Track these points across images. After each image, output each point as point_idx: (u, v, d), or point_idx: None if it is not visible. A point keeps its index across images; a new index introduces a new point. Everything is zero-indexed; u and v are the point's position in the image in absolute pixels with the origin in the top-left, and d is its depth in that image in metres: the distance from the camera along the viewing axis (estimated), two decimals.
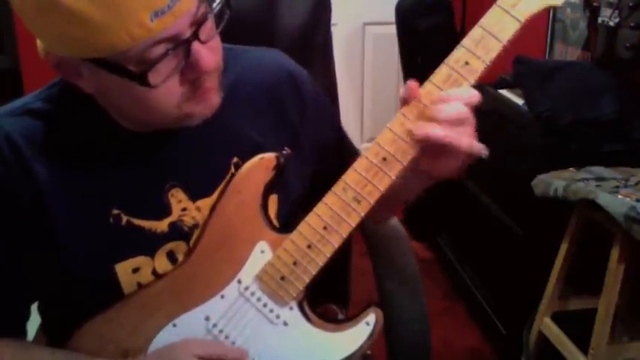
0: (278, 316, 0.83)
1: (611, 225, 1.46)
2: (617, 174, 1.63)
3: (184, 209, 0.84)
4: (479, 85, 0.75)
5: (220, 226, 0.84)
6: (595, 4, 1.86)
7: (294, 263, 0.81)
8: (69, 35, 0.66)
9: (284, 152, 0.87)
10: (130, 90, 0.71)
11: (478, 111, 0.76)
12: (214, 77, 0.76)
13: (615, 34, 1.78)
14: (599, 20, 1.84)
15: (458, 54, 0.75)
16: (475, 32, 0.74)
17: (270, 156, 0.84)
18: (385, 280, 1.08)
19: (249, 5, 1.22)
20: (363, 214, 0.78)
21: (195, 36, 0.71)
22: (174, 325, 0.83)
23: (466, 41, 0.74)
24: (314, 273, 0.81)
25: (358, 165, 0.78)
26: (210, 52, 0.73)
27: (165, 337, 0.82)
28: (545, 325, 1.77)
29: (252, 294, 0.83)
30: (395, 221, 1.15)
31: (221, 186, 0.85)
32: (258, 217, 0.84)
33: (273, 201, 0.88)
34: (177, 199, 0.83)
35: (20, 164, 0.77)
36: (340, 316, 1.10)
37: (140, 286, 0.82)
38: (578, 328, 1.66)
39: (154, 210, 0.82)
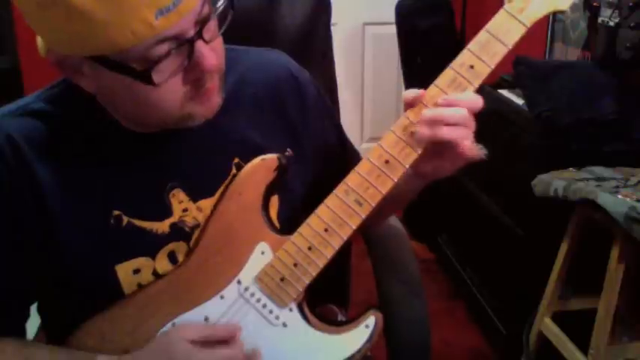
0: (277, 318, 0.83)
1: (611, 225, 1.46)
2: (617, 174, 1.63)
3: (185, 210, 0.84)
4: (479, 85, 0.75)
5: (221, 227, 0.84)
6: (595, 4, 1.86)
7: (295, 265, 0.81)
8: (71, 32, 0.66)
9: (286, 153, 0.87)
10: (132, 89, 0.71)
11: (479, 111, 0.76)
12: (217, 78, 0.76)
13: (615, 34, 1.78)
14: (599, 20, 1.84)
15: (463, 58, 0.75)
16: (481, 36, 0.75)
17: (271, 157, 0.84)
18: (385, 280, 1.08)
19: (249, 6, 1.22)
20: (364, 217, 0.79)
21: (199, 35, 0.70)
22: (174, 325, 0.83)
23: (472, 45, 0.75)
24: (314, 275, 0.81)
25: (361, 168, 0.78)
26: (213, 52, 0.72)
27: None
28: (545, 325, 1.77)
29: (252, 295, 0.83)
30: (395, 221, 1.15)
31: (222, 186, 0.85)
32: (259, 218, 0.84)
33: (274, 202, 0.88)
34: (179, 199, 0.83)
35: (21, 165, 0.77)
36: (340, 317, 1.10)
37: (140, 286, 0.82)
38: (578, 328, 1.66)
39: (154, 211, 0.82)
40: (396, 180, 0.77)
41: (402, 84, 3.00)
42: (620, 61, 1.78)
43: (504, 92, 2.07)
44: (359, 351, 0.84)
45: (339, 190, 0.79)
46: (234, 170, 0.86)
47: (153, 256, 0.82)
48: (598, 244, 1.57)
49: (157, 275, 0.83)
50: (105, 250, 0.80)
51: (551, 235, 1.74)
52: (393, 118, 0.78)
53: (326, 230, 0.80)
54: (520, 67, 1.95)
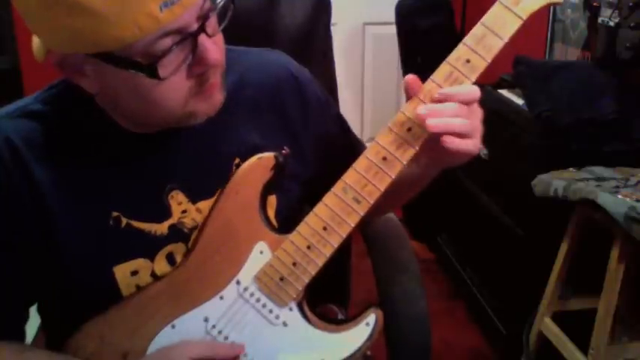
0: (277, 317, 0.83)
1: (611, 225, 1.46)
2: (617, 174, 1.63)
3: (184, 211, 0.84)
4: (479, 85, 0.75)
5: (219, 227, 0.84)
6: (595, 4, 1.85)
7: (294, 264, 0.81)
8: (74, 29, 0.65)
9: (282, 152, 0.87)
10: (136, 86, 0.71)
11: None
12: (219, 74, 0.76)
13: (615, 34, 1.77)
14: (599, 20, 1.84)
15: (459, 52, 0.74)
16: (477, 30, 0.74)
17: (268, 156, 0.84)
18: (385, 280, 1.08)
19: (249, 5, 1.22)
20: (362, 214, 0.78)
21: (202, 29, 0.70)
22: (174, 327, 0.83)
23: (468, 39, 0.74)
24: (313, 274, 0.81)
25: (358, 165, 0.78)
26: (216, 46, 0.73)
27: (165, 338, 0.82)
28: (545, 325, 1.77)
29: (252, 295, 0.83)
30: (395, 220, 1.15)
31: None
32: (257, 217, 0.84)
33: (272, 201, 0.88)
34: (178, 201, 0.83)
35: (20, 166, 0.77)
36: (340, 317, 1.10)
37: (139, 288, 0.82)
38: (578, 328, 1.66)
39: (153, 212, 0.82)
40: (394, 177, 0.77)
41: (402, 84, 3.00)
42: (620, 61, 1.78)
43: (504, 92, 2.07)
44: (360, 349, 0.84)
45: (337, 188, 0.79)
46: (234, 170, 0.86)
47: (151, 258, 0.82)
48: (598, 244, 1.57)
49: (155, 277, 0.83)
50: (103, 251, 0.80)
51: (551, 235, 1.74)
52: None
53: (325, 229, 0.80)
54: (520, 67, 1.95)
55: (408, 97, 0.76)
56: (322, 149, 0.94)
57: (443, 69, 0.75)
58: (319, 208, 0.80)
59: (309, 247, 0.80)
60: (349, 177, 0.78)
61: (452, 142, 0.73)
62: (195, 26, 0.70)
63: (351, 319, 0.86)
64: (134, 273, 0.82)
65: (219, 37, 0.75)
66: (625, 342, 1.65)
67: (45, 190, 0.78)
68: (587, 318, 1.59)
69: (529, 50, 2.11)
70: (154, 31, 0.66)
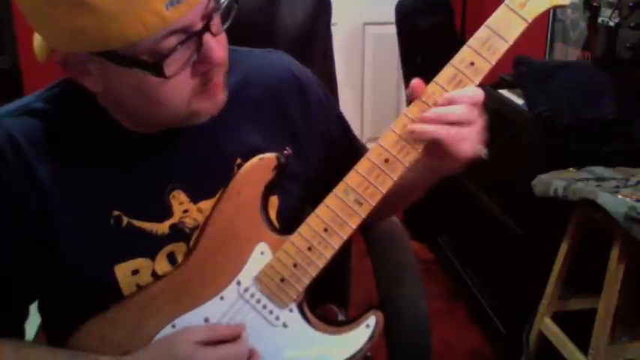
0: (277, 318, 0.83)
1: (611, 225, 1.46)
2: (617, 174, 1.63)
3: (186, 211, 0.84)
4: (479, 85, 0.75)
5: (220, 227, 0.84)
6: (595, 4, 1.85)
7: (294, 265, 0.81)
8: (79, 27, 0.65)
9: (284, 152, 0.87)
10: (140, 84, 0.71)
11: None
12: (222, 72, 0.77)
13: (615, 34, 1.77)
14: (599, 20, 1.84)
15: (463, 54, 0.74)
16: (481, 32, 0.74)
17: (270, 156, 0.84)
18: (385, 280, 1.08)
19: (249, 6, 1.22)
20: (364, 216, 0.78)
21: (207, 28, 0.71)
22: (174, 326, 0.83)
23: (472, 41, 0.74)
24: (314, 275, 0.81)
25: (360, 166, 0.78)
26: (220, 45, 0.73)
27: None
28: (545, 325, 1.77)
29: (252, 295, 0.83)
30: (395, 221, 1.15)
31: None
32: (259, 218, 0.84)
33: (273, 202, 0.88)
34: (179, 200, 0.83)
35: (22, 164, 0.77)
36: (340, 317, 1.10)
37: (139, 287, 0.82)
38: (578, 328, 1.66)
39: (154, 212, 0.82)
40: (395, 179, 0.77)
41: (402, 84, 3.01)
42: (620, 60, 1.78)
43: (504, 92, 2.07)
44: (360, 351, 0.84)
45: (339, 190, 0.79)
46: (236, 171, 0.86)
47: (152, 257, 0.82)
48: (598, 244, 1.57)
49: (156, 276, 0.83)
50: (104, 250, 0.80)
51: (551, 235, 1.74)
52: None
53: (325, 230, 0.79)
54: (520, 67, 1.95)
55: (410, 101, 0.76)
56: (324, 150, 0.94)
57: (447, 71, 0.75)
58: (320, 210, 0.80)
59: (309, 249, 0.80)
60: (351, 178, 0.78)
61: (454, 146, 0.73)
62: (199, 25, 0.70)
63: (351, 320, 0.86)
64: (135, 272, 0.82)
65: (223, 37, 0.75)
66: (625, 342, 1.65)
67: (47, 188, 0.78)
68: (587, 318, 1.59)
69: (529, 50, 2.11)
70: (160, 29, 0.66)
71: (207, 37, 0.71)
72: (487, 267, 2.18)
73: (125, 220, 0.81)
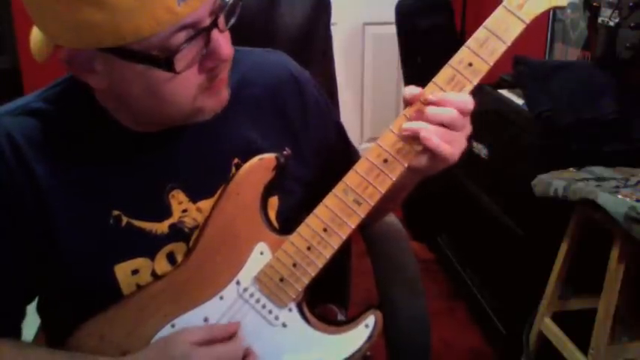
0: (277, 318, 0.83)
1: (611, 225, 1.46)
2: (617, 174, 1.62)
3: (185, 210, 0.84)
4: (479, 86, 0.75)
5: (220, 227, 0.84)
6: (595, 4, 1.85)
7: (294, 265, 0.81)
8: (90, 23, 0.65)
9: (284, 153, 0.87)
10: (148, 80, 0.71)
11: (478, 111, 0.76)
12: (227, 69, 0.77)
13: (615, 34, 1.77)
14: (599, 20, 1.84)
15: (461, 55, 0.74)
16: (479, 33, 0.74)
17: (269, 157, 0.84)
18: (385, 280, 1.08)
19: (249, 6, 1.22)
20: (363, 216, 0.79)
21: (215, 24, 0.71)
22: (173, 326, 0.83)
23: (470, 42, 0.74)
24: (313, 275, 0.81)
25: (359, 167, 0.78)
26: (227, 42, 0.74)
27: None
28: (545, 325, 1.77)
29: (251, 295, 0.83)
30: (395, 221, 1.15)
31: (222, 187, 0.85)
32: (258, 218, 0.84)
33: (273, 202, 0.88)
34: (178, 200, 0.83)
35: (21, 164, 0.77)
36: (340, 317, 1.10)
37: (139, 287, 0.82)
38: (578, 328, 1.65)
39: (154, 211, 0.82)
40: (394, 179, 0.77)
41: (402, 84, 3.01)
42: (620, 60, 1.78)
43: (504, 92, 2.07)
44: (359, 350, 0.84)
45: (338, 190, 0.79)
46: (233, 171, 0.86)
47: (152, 257, 0.82)
48: (598, 244, 1.57)
49: (155, 276, 0.83)
50: (104, 250, 0.80)
51: (551, 235, 1.74)
52: (393, 118, 0.77)
53: (325, 230, 0.80)
54: (520, 67, 1.95)
55: (406, 104, 0.76)
56: (321, 154, 0.94)
57: (445, 72, 0.75)
58: (320, 210, 0.80)
59: (309, 249, 0.80)
60: (350, 179, 0.78)
61: (441, 148, 0.73)
62: (207, 21, 0.71)
63: (350, 320, 0.86)
64: (135, 272, 0.82)
65: (228, 34, 0.76)
66: (625, 342, 1.65)
67: (46, 188, 0.78)
68: (587, 318, 1.59)
69: (529, 50, 2.11)
70: (172, 24, 0.67)
71: (214, 33, 0.71)
72: (487, 267, 2.18)
73: (125, 219, 0.81)
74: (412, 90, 0.76)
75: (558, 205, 1.60)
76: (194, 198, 0.84)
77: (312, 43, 1.28)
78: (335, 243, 0.80)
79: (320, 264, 0.80)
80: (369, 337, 0.84)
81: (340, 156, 0.97)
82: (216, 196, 0.85)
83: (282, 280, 0.82)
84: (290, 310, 0.83)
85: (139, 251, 0.82)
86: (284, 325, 0.84)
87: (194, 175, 0.84)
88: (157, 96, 0.73)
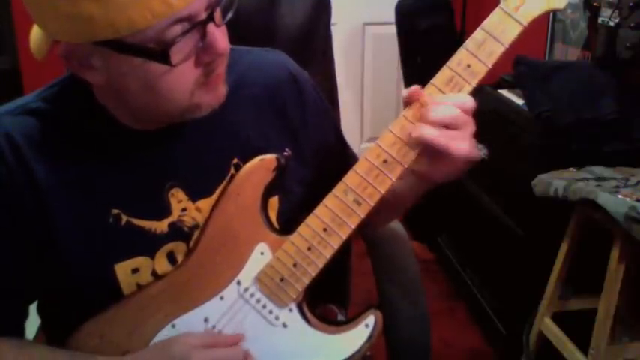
0: (277, 318, 0.83)
1: (611, 225, 1.46)
2: (617, 174, 1.62)
3: (184, 209, 0.84)
4: (479, 86, 0.75)
5: (220, 228, 0.84)
6: (595, 4, 1.86)
7: (294, 265, 0.81)
8: (86, 15, 0.65)
9: (284, 154, 0.87)
10: (145, 74, 0.71)
11: (478, 111, 0.76)
12: (224, 64, 0.77)
13: (615, 34, 1.78)
14: (599, 20, 1.84)
15: (460, 56, 0.74)
16: (477, 35, 0.74)
17: (270, 157, 0.84)
18: (385, 280, 1.08)
19: (249, 5, 1.22)
20: (363, 216, 0.79)
21: (211, 18, 0.71)
22: (174, 326, 0.83)
23: (468, 44, 0.74)
24: (313, 275, 0.81)
25: (359, 167, 0.78)
26: (223, 36, 0.73)
27: (165, 337, 0.82)
28: (545, 325, 1.77)
29: (252, 295, 0.83)
30: (395, 221, 1.15)
31: (221, 186, 0.85)
32: (258, 218, 0.84)
33: (273, 203, 0.88)
34: (178, 199, 0.83)
35: (21, 163, 0.77)
36: (340, 317, 1.10)
37: (139, 286, 0.82)
38: (578, 328, 1.66)
39: (153, 210, 0.82)
40: (394, 179, 0.77)
41: (402, 84, 3.00)
42: (620, 60, 1.78)
43: (504, 92, 2.07)
44: (359, 350, 0.84)
45: (338, 190, 0.79)
46: (232, 170, 0.86)
47: (152, 256, 0.82)
48: (598, 244, 1.57)
49: (155, 275, 0.83)
50: (104, 249, 0.80)
51: (551, 235, 1.74)
52: (393, 118, 0.77)
53: (325, 230, 0.80)
54: (520, 67, 1.95)
55: (406, 105, 0.76)
56: (319, 155, 0.94)
57: (443, 73, 0.75)
58: (320, 210, 0.80)
59: (309, 249, 0.80)
60: (350, 179, 0.78)
61: (446, 147, 0.72)
62: (203, 15, 0.71)
63: (350, 320, 0.86)
64: (135, 271, 0.82)
65: (225, 30, 0.76)
66: (625, 342, 1.65)
67: (46, 187, 0.78)
68: (587, 318, 1.59)
69: (529, 50, 2.11)
70: (167, 16, 0.67)
71: (211, 27, 0.71)
72: (487, 267, 2.18)
73: (124, 218, 0.81)
74: (411, 90, 0.76)
75: (558, 205, 1.60)
76: (193, 197, 0.84)
77: (312, 43, 1.28)
78: (335, 243, 0.80)
79: (320, 264, 0.80)
80: (369, 337, 0.84)
81: (338, 158, 0.97)
82: (216, 196, 0.85)
83: (282, 280, 0.82)
84: (290, 310, 0.83)
85: (139, 250, 0.82)
86: (284, 325, 0.84)
87: (193, 174, 0.84)
88: (153, 90, 0.73)
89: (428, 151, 0.75)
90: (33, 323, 0.89)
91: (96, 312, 0.82)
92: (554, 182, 1.59)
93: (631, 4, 1.71)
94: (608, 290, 1.52)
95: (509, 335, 1.96)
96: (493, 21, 0.74)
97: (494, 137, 2.00)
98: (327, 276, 0.83)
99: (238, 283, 0.83)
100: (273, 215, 0.87)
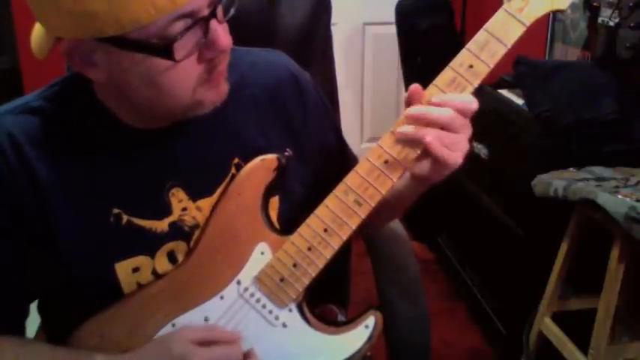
0: (277, 318, 0.83)
1: (611, 225, 1.46)
2: (617, 174, 1.62)
3: (185, 209, 0.84)
4: (479, 86, 0.75)
5: (221, 227, 0.84)
6: (595, 4, 1.86)
7: (294, 265, 0.81)
8: (90, 11, 0.65)
9: (285, 154, 0.87)
10: (148, 70, 0.71)
11: (479, 111, 0.76)
12: (226, 61, 0.77)
13: (615, 34, 1.78)
14: (599, 20, 1.84)
15: (462, 57, 0.75)
16: (480, 36, 0.74)
17: (271, 157, 0.84)
18: (385, 280, 1.08)
19: (249, 6, 1.22)
20: (363, 217, 0.79)
21: (214, 14, 0.71)
22: (174, 326, 0.83)
23: (471, 45, 0.74)
24: (313, 275, 0.81)
25: (360, 167, 0.78)
26: (225, 32, 0.74)
27: None
28: (545, 325, 1.77)
29: (252, 295, 0.83)
30: (395, 221, 1.15)
31: (222, 186, 0.85)
32: (259, 218, 0.84)
33: (274, 202, 0.88)
34: (178, 198, 0.83)
35: (22, 163, 0.77)
36: (340, 317, 1.10)
37: (140, 286, 0.82)
38: (578, 328, 1.66)
39: (154, 209, 0.82)
40: (395, 180, 0.77)
41: (402, 84, 3.01)
42: (620, 60, 1.78)
43: (504, 92, 2.07)
44: (359, 351, 0.84)
45: (339, 191, 0.79)
46: (233, 170, 0.86)
47: (152, 255, 0.82)
48: (598, 244, 1.57)
49: (156, 274, 0.83)
50: (104, 248, 0.80)
51: (551, 235, 1.74)
52: (393, 118, 0.78)
53: (325, 230, 0.80)
54: (520, 67, 1.95)
55: (407, 105, 0.76)
56: (320, 155, 0.94)
57: (446, 74, 0.75)
58: (320, 210, 0.80)
59: (309, 249, 0.80)
60: (351, 179, 0.79)
61: (440, 152, 0.73)
62: (206, 11, 0.71)
63: (350, 321, 0.86)
64: (135, 270, 0.82)
65: (226, 27, 0.76)
66: (625, 342, 1.65)
67: (46, 186, 0.78)
68: (587, 318, 1.59)
69: (529, 50, 2.11)
70: (170, 11, 0.67)
71: (213, 23, 0.72)
72: (487, 267, 2.18)
73: (125, 217, 0.81)
74: (411, 90, 0.76)
75: (558, 205, 1.60)
76: (194, 196, 0.84)
77: (312, 43, 1.28)
78: (335, 243, 0.80)
79: (320, 264, 0.80)
80: (369, 338, 0.84)
81: (338, 158, 0.97)
82: (217, 195, 0.85)
83: (282, 280, 0.82)
84: (290, 310, 0.83)
85: (140, 249, 0.82)
86: (284, 326, 0.84)
87: (194, 174, 0.84)
88: (156, 87, 0.73)
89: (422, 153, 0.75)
90: (33, 322, 0.90)
91: (96, 311, 0.82)
92: (554, 182, 1.59)
93: (631, 4, 1.71)
94: (608, 290, 1.52)
95: (509, 335, 1.96)
96: (496, 22, 0.74)
97: (494, 137, 2.01)
98: (327, 276, 0.83)
99: (238, 282, 0.83)
100: (273, 215, 0.87)
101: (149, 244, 0.82)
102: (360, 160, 0.79)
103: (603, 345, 1.54)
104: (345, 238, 0.80)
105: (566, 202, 1.56)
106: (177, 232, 0.83)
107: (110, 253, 0.81)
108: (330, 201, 0.79)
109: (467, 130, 0.75)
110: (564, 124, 1.72)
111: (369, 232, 1.07)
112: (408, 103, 0.76)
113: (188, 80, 0.74)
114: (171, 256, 0.84)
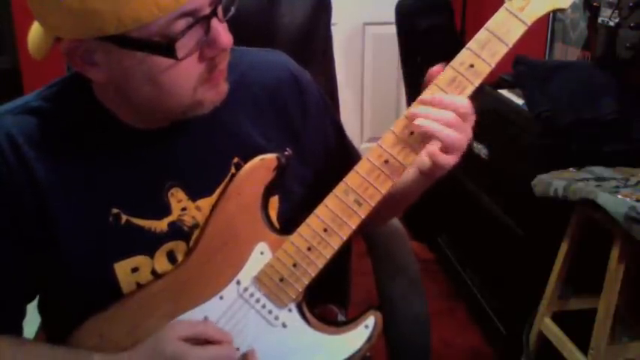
0: (277, 318, 0.83)
1: (611, 225, 1.46)
2: (617, 174, 1.62)
3: (184, 209, 0.84)
4: (479, 86, 0.75)
5: (220, 227, 0.84)
6: (595, 4, 1.86)
7: (294, 265, 0.81)
8: (92, 9, 0.65)
9: (285, 153, 0.87)
10: (148, 70, 0.71)
11: (479, 111, 0.76)
12: (226, 60, 0.77)
13: (615, 34, 1.78)
14: (599, 20, 1.84)
15: (463, 57, 0.75)
16: (481, 35, 0.74)
17: (270, 157, 0.84)
18: (385, 280, 1.08)
19: (249, 5, 1.22)
20: (363, 217, 0.79)
21: (215, 13, 0.72)
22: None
23: (472, 44, 0.74)
24: (313, 275, 0.81)
25: (360, 167, 0.78)
26: (226, 31, 0.74)
27: None
28: (545, 325, 1.77)
29: (251, 295, 0.83)
30: (395, 221, 1.15)
31: (221, 186, 0.85)
32: (259, 218, 0.84)
33: (274, 202, 0.88)
34: (177, 198, 0.83)
35: (21, 163, 0.77)
36: (340, 317, 1.10)
37: (139, 285, 0.82)
38: (578, 328, 1.65)
39: (153, 209, 0.82)
40: (395, 180, 0.77)
41: (402, 84, 3.00)
42: (620, 60, 1.78)
43: (504, 92, 2.07)
44: (358, 351, 0.84)
45: (339, 190, 0.79)
46: (232, 170, 0.86)
47: (151, 255, 0.82)
48: (598, 244, 1.57)
49: (155, 274, 0.83)
50: (104, 248, 0.80)
51: (551, 235, 1.74)
52: (393, 118, 0.78)
53: (325, 230, 0.80)
54: (520, 67, 1.95)
55: (421, 90, 0.77)
56: (321, 154, 0.94)
57: (446, 74, 0.75)
58: (320, 210, 0.80)
59: (309, 249, 0.80)
60: (351, 179, 0.78)
61: (434, 155, 0.74)
62: (207, 10, 0.71)
63: (350, 321, 0.86)
64: (134, 270, 0.82)
65: (226, 26, 0.76)
66: (625, 342, 1.65)
67: (46, 186, 0.78)
68: (587, 318, 1.59)
69: (529, 50, 2.11)
70: (173, 10, 0.67)
71: (214, 21, 0.72)
72: (487, 267, 2.18)
73: (124, 217, 0.81)
74: (432, 70, 0.76)
75: (558, 205, 1.60)
76: (193, 196, 0.84)
77: (312, 43, 1.28)
78: (335, 243, 0.80)
79: (320, 264, 0.80)
80: (369, 338, 0.84)
81: (340, 157, 0.97)
82: (217, 195, 0.85)
83: (282, 280, 0.82)
84: (290, 310, 0.83)
85: (139, 249, 0.82)
86: (284, 326, 0.84)
87: (193, 174, 0.84)
88: (157, 86, 0.73)
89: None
90: (33, 322, 0.90)
91: (96, 311, 0.82)
92: (554, 182, 1.59)
93: (631, 4, 1.71)
94: (608, 290, 1.52)
95: (509, 335, 1.96)
96: (497, 21, 0.74)
97: (494, 137, 2.00)
98: (327, 276, 0.83)
99: (238, 282, 0.83)
100: (273, 215, 0.87)
101: (148, 243, 0.82)
102: (361, 160, 0.79)
103: (603, 345, 1.54)
104: (344, 238, 0.80)
105: (566, 202, 1.56)
106: (177, 232, 0.83)
107: (109, 252, 0.81)
108: (330, 201, 0.79)
109: (465, 134, 0.76)
110: (564, 124, 1.72)
111: (369, 230, 1.07)
112: (426, 84, 0.76)
113: (189, 79, 0.74)
114: (171, 256, 0.84)
